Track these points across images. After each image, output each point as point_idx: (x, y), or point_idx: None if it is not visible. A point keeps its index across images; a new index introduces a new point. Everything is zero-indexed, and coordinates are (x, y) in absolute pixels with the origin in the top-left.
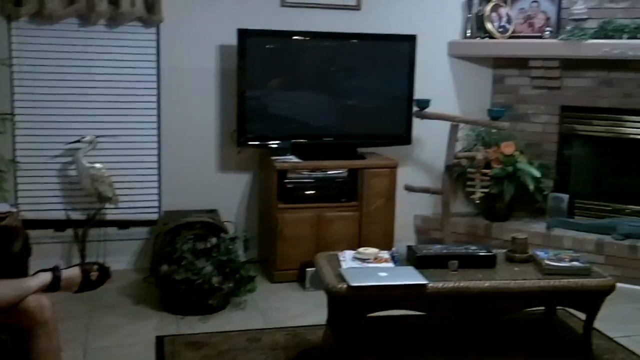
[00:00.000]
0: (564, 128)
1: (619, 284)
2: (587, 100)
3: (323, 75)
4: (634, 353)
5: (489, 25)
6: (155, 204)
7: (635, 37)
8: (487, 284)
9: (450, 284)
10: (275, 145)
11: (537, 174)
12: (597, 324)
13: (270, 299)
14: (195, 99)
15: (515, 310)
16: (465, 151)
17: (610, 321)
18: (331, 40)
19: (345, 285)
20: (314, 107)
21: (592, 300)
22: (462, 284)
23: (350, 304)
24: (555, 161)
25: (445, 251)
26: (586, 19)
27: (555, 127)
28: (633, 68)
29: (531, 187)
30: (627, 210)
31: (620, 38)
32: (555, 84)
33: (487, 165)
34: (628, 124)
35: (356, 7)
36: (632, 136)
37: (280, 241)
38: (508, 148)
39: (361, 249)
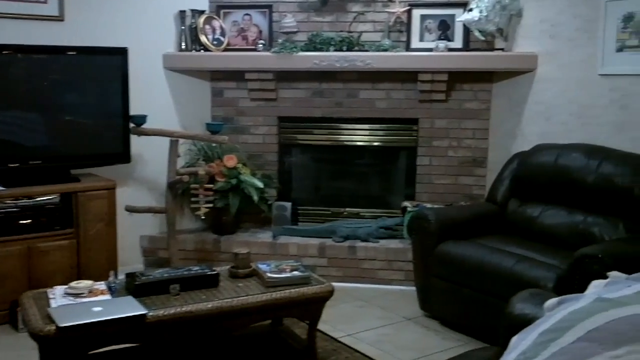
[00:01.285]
0: (283, 138)
1: (341, 284)
2: (302, 110)
3: (25, 92)
4: (356, 350)
5: (203, 38)
6: None
7: (341, 50)
8: (210, 305)
9: (172, 310)
10: None
11: (260, 184)
12: (323, 326)
13: None
14: None
15: (242, 327)
16: (189, 166)
17: (335, 322)
18: (30, 54)
19: (53, 327)
20: (17, 128)
21: (313, 307)
22: (185, 308)
23: (62, 346)
24: (277, 171)
25: (166, 275)
26: (296, 32)
27: (274, 137)
28: (341, 79)
29: (255, 198)
30: (345, 213)
31: (328, 50)
32: (271, 96)
33: (212, 179)
34: (341, 131)
35: (59, 18)
36: (345, 143)
37: None
38: (230, 161)
39: (73, 283)
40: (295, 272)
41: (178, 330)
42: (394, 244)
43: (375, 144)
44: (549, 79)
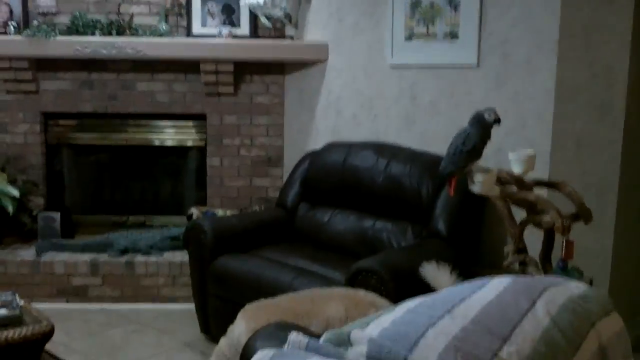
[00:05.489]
0: (51, 137)
1: (117, 305)
2: (69, 104)
3: None
4: None
5: None
6: None
7: (109, 34)
8: None
9: None
10: None
11: (16, 193)
12: (79, 357)
13: None
14: None
15: None
16: None
17: (96, 354)
18: None
19: None
20: None
21: (26, 353)
22: None
23: None
24: (45, 175)
25: None
26: (56, 13)
27: (39, 136)
28: (114, 68)
29: (10, 209)
30: (128, 222)
31: (93, 34)
32: (31, 88)
33: None
34: (120, 128)
35: None
36: (126, 142)
37: None
38: None
39: None
40: (3, 310)
41: None
42: (179, 256)
43: (160, 143)
44: (338, 69)
